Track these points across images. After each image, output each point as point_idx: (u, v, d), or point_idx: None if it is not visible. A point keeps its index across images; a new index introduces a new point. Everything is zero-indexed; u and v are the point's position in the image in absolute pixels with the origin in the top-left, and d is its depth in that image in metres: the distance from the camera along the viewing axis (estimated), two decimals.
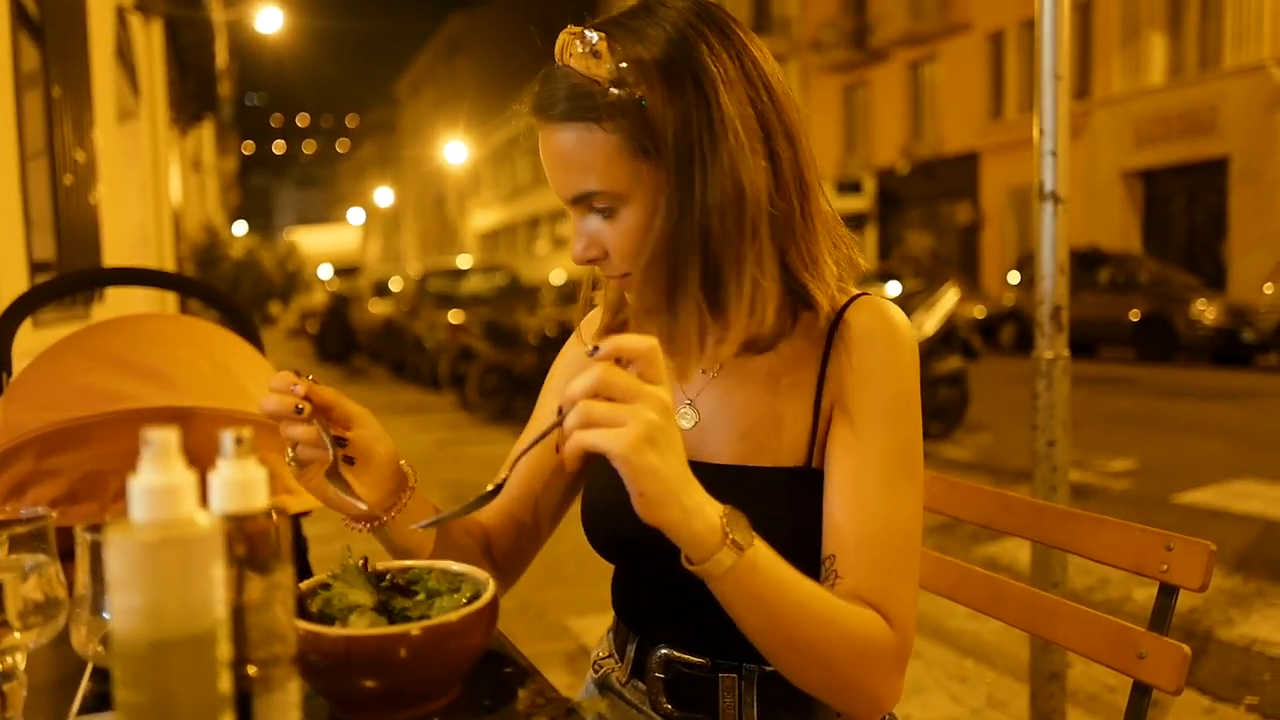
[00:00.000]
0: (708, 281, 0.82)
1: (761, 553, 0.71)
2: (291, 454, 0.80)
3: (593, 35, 0.81)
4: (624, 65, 0.80)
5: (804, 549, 0.81)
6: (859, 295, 0.88)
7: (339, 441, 0.81)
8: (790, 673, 0.78)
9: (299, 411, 0.77)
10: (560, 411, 0.66)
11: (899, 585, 0.80)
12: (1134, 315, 11.58)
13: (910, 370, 0.85)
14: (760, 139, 0.82)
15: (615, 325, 0.97)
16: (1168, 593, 0.93)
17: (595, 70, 0.80)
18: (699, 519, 0.68)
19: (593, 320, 1.03)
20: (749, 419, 0.88)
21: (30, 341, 1.33)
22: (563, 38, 0.83)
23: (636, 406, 0.64)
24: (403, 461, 0.87)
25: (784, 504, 0.84)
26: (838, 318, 0.87)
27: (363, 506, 0.81)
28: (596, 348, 0.66)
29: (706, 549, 0.68)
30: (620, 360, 0.67)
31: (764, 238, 0.82)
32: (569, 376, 1.01)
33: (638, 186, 0.82)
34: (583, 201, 0.84)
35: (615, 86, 0.79)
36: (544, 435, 0.71)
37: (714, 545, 0.68)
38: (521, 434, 1.03)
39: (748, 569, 0.70)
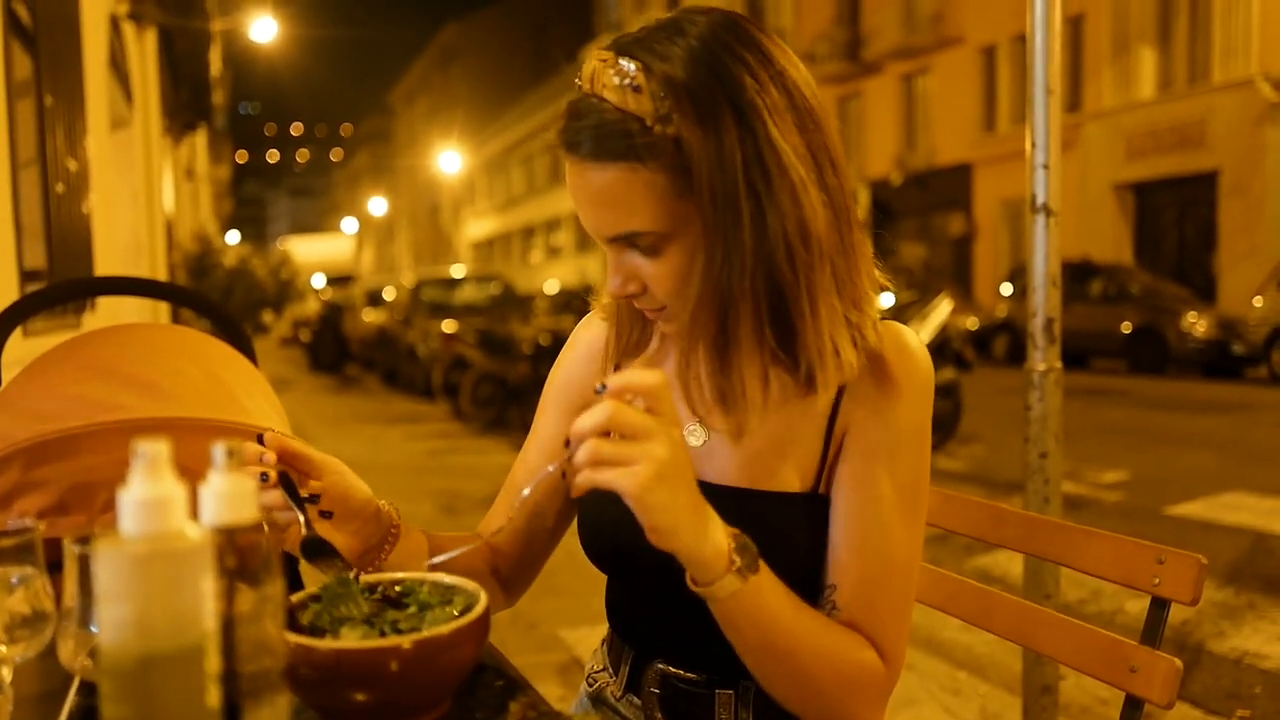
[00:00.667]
0: (776, 329, 0.78)
1: (766, 579, 0.72)
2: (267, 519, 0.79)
3: (629, 65, 0.74)
4: (665, 100, 0.74)
5: (806, 573, 0.81)
6: (878, 322, 0.85)
7: (312, 498, 0.79)
8: (779, 694, 0.78)
9: (264, 479, 0.76)
10: (568, 444, 0.65)
11: (894, 620, 0.81)
12: (1125, 327, 11.63)
13: (925, 403, 0.84)
14: (814, 169, 0.77)
15: (629, 345, 0.94)
16: (1159, 606, 0.93)
17: (635, 106, 0.74)
18: (709, 545, 0.68)
19: (590, 324, 1.01)
20: (759, 441, 0.86)
21: (20, 350, 1.32)
22: (593, 66, 0.77)
23: (647, 444, 0.64)
24: (383, 502, 0.86)
25: (789, 529, 0.83)
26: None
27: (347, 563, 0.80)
28: (604, 385, 0.65)
29: (713, 573, 0.69)
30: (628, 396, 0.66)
31: (828, 275, 0.78)
32: (568, 381, 1.01)
33: (684, 224, 0.77)
34: (623, 240, 0.79)
35: (659, 124, 0.74)
36: (553, 471, 0.70)
37: (721, 570, 0.69)
38: (523, 445, 1.02)
39: (752, 594, 0.70)
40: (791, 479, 0.85)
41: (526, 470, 0.99)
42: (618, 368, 0.97)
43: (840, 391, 0.85)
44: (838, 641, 0.77)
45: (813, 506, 0.84)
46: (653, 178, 0.75)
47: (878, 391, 0.83)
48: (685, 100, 0.74)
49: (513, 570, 1.00)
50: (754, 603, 0.71)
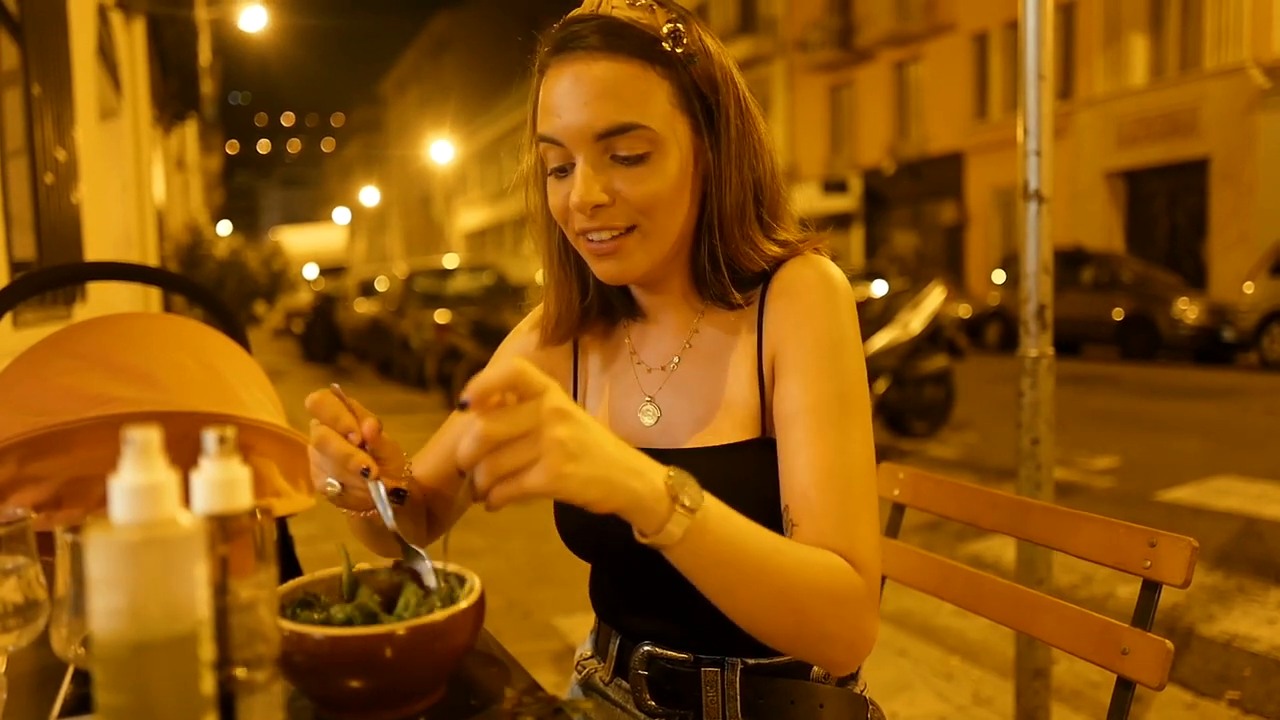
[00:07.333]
0: (726, 257, 0.88)
1: (713, 512, 0.69)
2: (338, 487, 0.79)
3: None
4: (679, 25, 0.82)
5: (770, 518, 0.79)
6: (792, 255, 0.89)
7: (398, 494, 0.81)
8: (762, 631, 0.74)
9: (365, 474, 0.77)
10: (462, 475, 0.61)
11: (857, 526, 0.78)
12: (1117, 314, 11.67)
13: (844, 313, 0.85)
14: (765, 124, 0.91)
15: (555, 338, 0.99)
16: (1150, 589, 0.94)
17: (649, 20, 0.82)
18: (646, 490, 0.65)
19: (518, 335, 1.06)
20: (705, 405, 0.89)
21: (11, 342, 1.31)
22: None
23: (537, 437, 0.60)
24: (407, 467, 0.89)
25: (750, 476, 0.84)
26: (769, 278, 0.89)
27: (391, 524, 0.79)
28: (464, 402, 0.60)
29: (659, 517, 0.66)
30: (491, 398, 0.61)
31: (772, 209, 0.90)
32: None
33: (674, 137, 0.83)
34: (612, 137, 0.81)
35: (670, 41, 0.82)
36: (461, 506, 0.69)
37: (665, 512, 0.66)
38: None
39: (699, 532, 0.67)
40: (740, 430, 0.87)
41: (452, 431, 1.01)
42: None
43: (760, 327, 0.88)
44: (806, 558, 0.74)
45: (764, 450, 0.85)
46: (659, 81, 0.82)
47: (792, 312, 0.86)
48: (695, 27, 0.84)
49: (439, 506, 0.99)
50: (706, 541, 0.68)
